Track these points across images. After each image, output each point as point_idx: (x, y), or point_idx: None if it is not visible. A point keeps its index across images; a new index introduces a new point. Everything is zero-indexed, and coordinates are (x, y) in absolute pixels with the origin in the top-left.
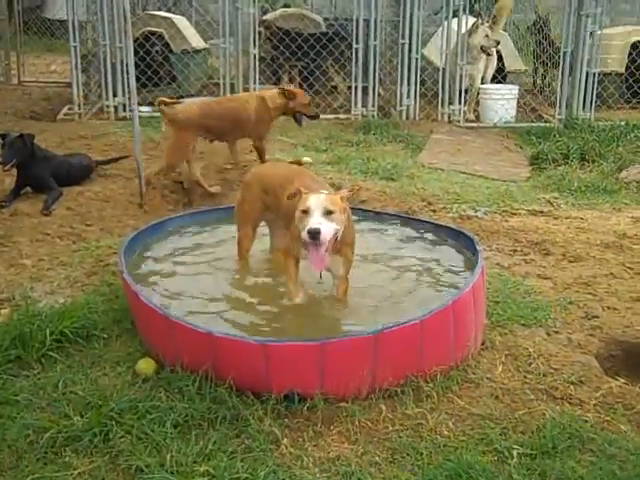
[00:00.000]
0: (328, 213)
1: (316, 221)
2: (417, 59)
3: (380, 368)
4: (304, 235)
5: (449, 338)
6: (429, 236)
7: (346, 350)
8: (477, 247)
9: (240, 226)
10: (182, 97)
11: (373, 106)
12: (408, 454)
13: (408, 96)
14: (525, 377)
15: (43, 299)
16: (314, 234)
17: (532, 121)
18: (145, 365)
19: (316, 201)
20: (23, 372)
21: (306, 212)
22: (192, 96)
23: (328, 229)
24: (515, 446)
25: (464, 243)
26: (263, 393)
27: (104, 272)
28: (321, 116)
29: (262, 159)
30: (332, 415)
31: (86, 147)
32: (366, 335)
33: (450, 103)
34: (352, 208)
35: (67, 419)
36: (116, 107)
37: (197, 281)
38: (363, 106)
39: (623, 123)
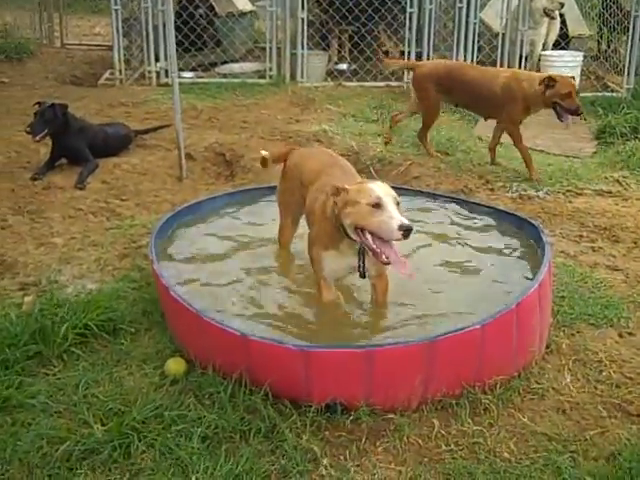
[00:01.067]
0: (398, 204)
1: (400, 215)
2: (475, 24)
3: (434, 378)
4: (391, 231)
5: (512, 344)
6: (486, 222)
7: (397, 358)
8: (543, 237)
9: (281, 215)
10: (226, 62)
11: None
12: None
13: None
14: (596, 388)
15: (70, 284)
16: (409, 231)
17: (597, 90)
18: (175, 365)
19: (385, 190)
20: (42, 370)
21: (378, 205)
22: (236, 61)
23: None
24: (588, 478)
25: (527, 231)
26: (302, 402)
27: (136, 255)
28: (371, 83)
29: (516, 143)
30: (378, 429)
31: (126, 115)
32: (420, 342)
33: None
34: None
35: (86, 427)
36: (158, 73)
37: (231, 272)
38: None
39: None
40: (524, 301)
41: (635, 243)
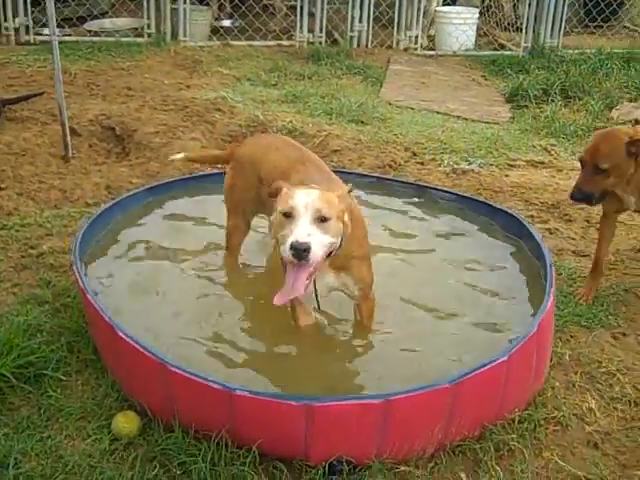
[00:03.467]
0: (322, 220)
1: (303, 231)
2: None
3: (455, 421)
4: (284, 250)
5: (531, 371)
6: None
7: (416, 406)
8: (544, 252)
9: (230, 215)
10: (96, 17)
11: (321, 31)
12: None
13: (360, 20)
14: (616, 409)
15: None
16: (300, 251)
17: (495, 49)
18: (127, 423)
19: (305, 200)
20: None
21: (289, 215)
22: (104, 15)
23: (320, 244)
24: None
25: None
26: (296, 461)
27: (39, 265)
28: (261, 43)
29: None
30: None
31: None
32: (443, 385)
33: (407, 28)
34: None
35: None
36: (17, 29)
37: (172, 290)
38: (309, 31)
39: (594, 51)
40: (543, 321)
41: (588, 222)
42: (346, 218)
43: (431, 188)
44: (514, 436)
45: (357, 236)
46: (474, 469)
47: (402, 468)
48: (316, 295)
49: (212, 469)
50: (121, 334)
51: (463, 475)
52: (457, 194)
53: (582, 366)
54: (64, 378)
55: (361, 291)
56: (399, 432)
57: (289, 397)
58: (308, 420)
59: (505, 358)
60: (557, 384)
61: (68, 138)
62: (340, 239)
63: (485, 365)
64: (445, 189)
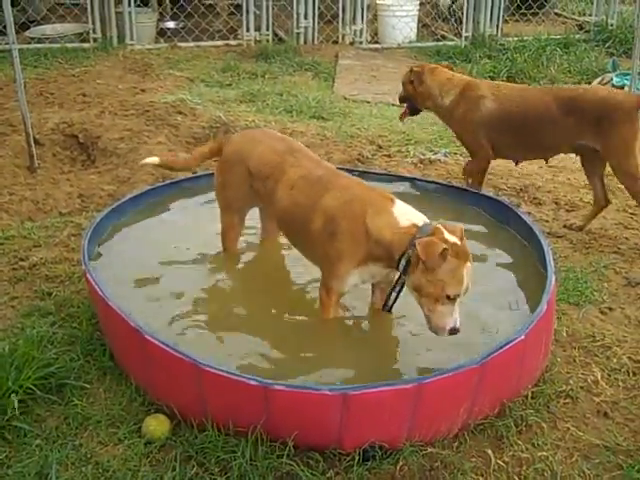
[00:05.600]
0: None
1: (458, 316)
2: None
3: (479, 401)
4: (440, 331)
5: (542, 348)
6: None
7: (446, 388)
8: (538, 235)
9: (222, 213)
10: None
11: (267, 29)
12: None
13: (305, 17)
14: (617, 380)
15: None
16: (455, 333)
17: (438, 40)
18: (158, 425)
19: (468, 279)
20: None
21: (452, 299)
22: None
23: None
24: None
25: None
26: (329, 450)
27: (33, 277)
28: (208, 43)
29: None
30: (425, 469)
31: None
32: (471, 367)
33: (352, 23)
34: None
35: None
36: None
37: (173, 288)
38: (256, 30)
39: (532, 38)
40: (551, 296)
41: (557, 204)
42: None
43: (413, 179)
44: (531, 411)
45: None
46: (498, 445)
47: (429, 450)
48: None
49: (251, 464)
50: (149, 338)
51: (489, 451)
52: (440, 183)
53: (578, 341)
54: (88, 386)
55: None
56: (428, 415)
57: (325, 387)
58: (343, 409)
59: (522, 337)
60: (559, 360)
61: (33, 148)
62: None
63: (506, 344)
64: (428, 179)
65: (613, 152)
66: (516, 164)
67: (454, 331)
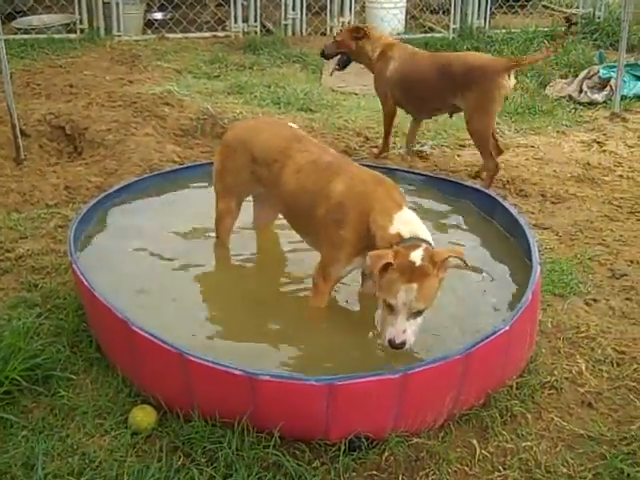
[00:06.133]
0: (417, 314)
1: (400, 328)
2: None
3: (464, 391)
4: (383, 340)
5: (527, 338)
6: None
7: (432, 379)
8: (520, 221)
9: (219, 199)
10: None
11: (255, 21)
12: None
13: (293, 8)
14: (602, 371)
15: None
16: (395, 346)
17: (425, 32)
18: (144, 416)
19: (406, 296)
20: None
21: (391, 309)
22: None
23: (413, 334)
24: None
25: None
26: (314, 441)
27: (20, 269)
28: (196, 34)
29: None
30: (411, 459)
31: None
32: (456, 357)
33: (340, 14)
34: None
35: None
36: None
37: (161, 279)
38: (243, 21)
39: (519, 31)
40: (536, 287)
41: (543, 196)
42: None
43: (399, 170)
44: (516, 402)
45: None
46: (483, 435)
47: (415, 440)
48: None
49: (237, 454)
50: (136, 329)
51: (475, 441)
52: (426, 175)
53: (563, 332)
54: (74, 378)
55: None
56: (414, 405)
57: (311, 378)
58: (330, 399)
59: (507, 327)
60: (544, 351)
61: (19, 139)
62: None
63: (491, 335)
64: (415, 171)
65: (470, 111)
66: (414, 119)
67: (393, 343)
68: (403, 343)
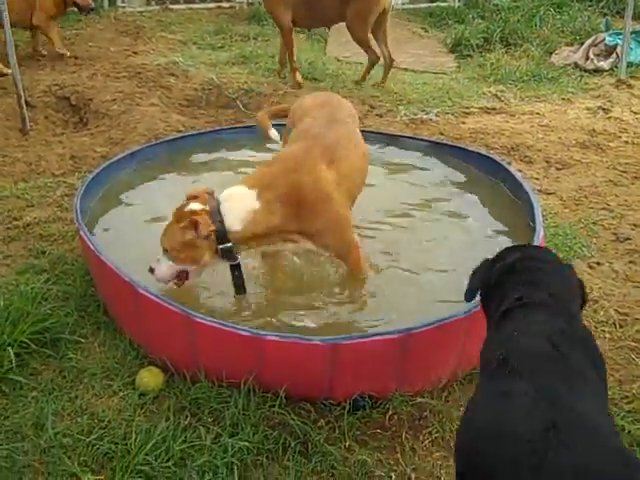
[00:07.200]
0: (165, 251)
1: (155, 258)
2: None
3: (467, 351)
4: None
5: None
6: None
7: (435, 338)
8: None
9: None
10: None
11: None
12: None
13: None
14: (604, 332)
15: None
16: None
17: (432, 1)
18: (152, 378)
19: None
20: None
21: None
22: None
23: (161, 268)
24: None
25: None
26: (319, 400)
27: (27, 235)
28: (201, 5)
29: None
30: (414, 418)
31: None
32: (458, 317)
33: None
34: None
35: None
36: None
37: None
38: None
39: None
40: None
41: (547, 162)
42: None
43: (404, 137)
44: None
45: None
46: None
47: (419, 400)
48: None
49: (243, 413)
50: (142, 291)
51: None
52: (430, 140)
53: None
54: (82, 340)
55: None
56: (417, 365)
57: (315, 338)
58: (334, 359)
59: None
60: None
61: (25, 110)
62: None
63: None
64: (418, 137)
65: (351, 20)
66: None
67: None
68: (152, 270)
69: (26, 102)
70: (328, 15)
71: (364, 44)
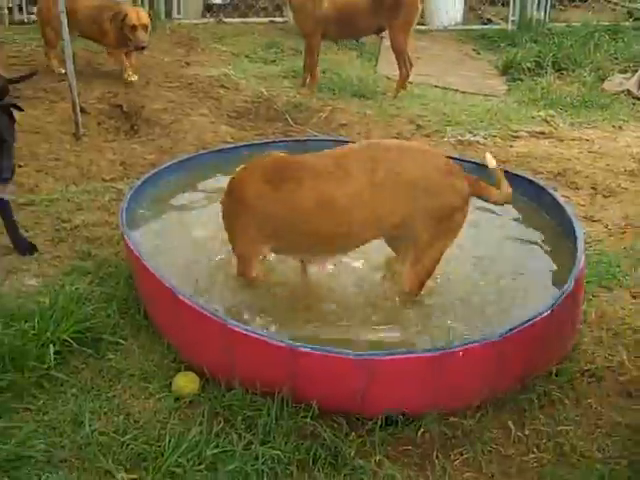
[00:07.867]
0: None
1: None
2: None
3: (502, 374)
4: None
5: (569, 325)
6: None
7: (470, 359)
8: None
9: None
10: None
11: None
12: None
13: None
14: None
15: (4, 280)
16: None
17: (484, 23)
18: (187, 383)
19: None
20: (22, 405)
21: None
22: None
23: None
24: None
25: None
26: (352, 415)
27: (75, 238)
28: (254, 19)
29: None
30: (446, 437)
31: None
32: (493, 340)
33: None
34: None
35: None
36: (10, 9)
37: (208, 251)
38: None
39: (580, 25)
40: (580, 276)
41: (594, 189)
42: None
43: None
44: (554, 387)
45: None
46: (519, 418)
47: (451, 419)
48: None
49: (276, 422)
50: (181, 297)
51: (510, 423)
52: (476, 163)
53: (607, 323)
54: (122, 342)
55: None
56: (451, 384)
57: (351, 353)
58: (369, 374)
59: (547, 313)
60: (586, 340)
61: (79, 116)
62: None
63: (529, 320)
64: (464, 158)
65: (397, 31)
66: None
67: None
68: None
69: (80, 108)
70: (359, 29)
71: (404, 55)
